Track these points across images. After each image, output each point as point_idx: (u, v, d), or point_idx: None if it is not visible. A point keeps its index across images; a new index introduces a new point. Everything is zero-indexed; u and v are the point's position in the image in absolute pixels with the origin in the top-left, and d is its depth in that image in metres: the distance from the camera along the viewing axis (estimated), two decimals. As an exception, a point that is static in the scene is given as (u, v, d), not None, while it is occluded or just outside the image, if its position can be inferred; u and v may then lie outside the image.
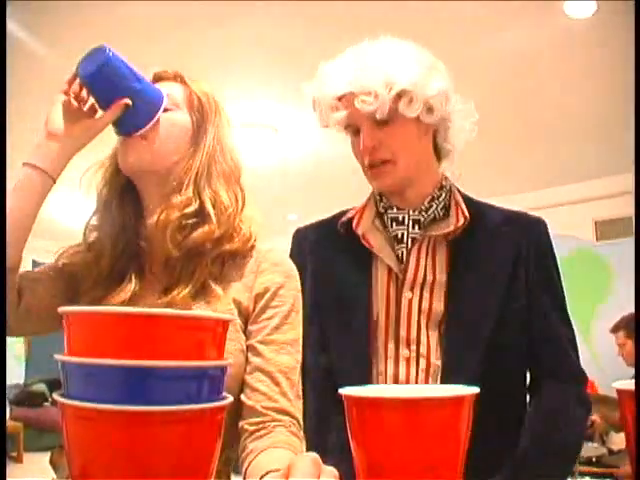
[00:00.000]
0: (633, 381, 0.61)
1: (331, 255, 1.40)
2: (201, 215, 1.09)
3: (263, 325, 1.08)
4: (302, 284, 1.17)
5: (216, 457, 0.62)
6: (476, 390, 0.59)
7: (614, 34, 3.32)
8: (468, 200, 1.36)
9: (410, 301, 1.28)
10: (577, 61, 3.64)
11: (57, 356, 0.59)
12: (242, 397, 1.05)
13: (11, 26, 3.09)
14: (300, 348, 1.12)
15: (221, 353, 0.62)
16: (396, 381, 1.23)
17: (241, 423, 1.04)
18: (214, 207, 1.09)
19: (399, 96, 1.22)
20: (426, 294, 1.27)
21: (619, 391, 0.61)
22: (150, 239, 1.12)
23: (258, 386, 1.04)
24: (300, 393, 1.10)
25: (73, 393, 0.58)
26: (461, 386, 0.62)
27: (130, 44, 3.49)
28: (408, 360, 1.25)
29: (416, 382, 1.22)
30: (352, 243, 1.35)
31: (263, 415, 1.02)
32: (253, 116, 4.53)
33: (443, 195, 1.34)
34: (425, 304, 1.27)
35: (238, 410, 1.05)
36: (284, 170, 5.73)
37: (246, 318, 1.09)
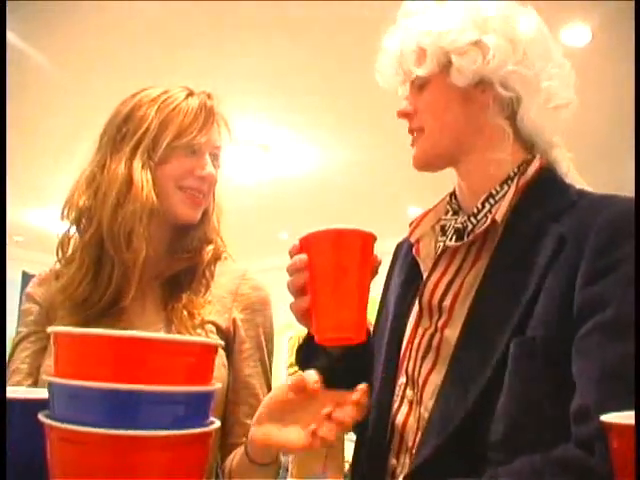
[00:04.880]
0: (623, 414, 0.52)
1: (394, 266, 1.18)
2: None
3: (248, 355, 1.14)
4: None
5: (202, 480, 0.61)
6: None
7: (610, 61, 3.35)
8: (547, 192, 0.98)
9: (424, 333, 0.99)
10: (575, 88, 3.66)
11: (44, 376, 0.59)
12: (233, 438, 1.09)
13: (9, 35, 3.08)
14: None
15: (209, 378, 0.62)
16: (394, 427, 0.97)
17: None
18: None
19: (411, 52, 1.00)
20: (440, 326, 0.97)
21: (606, 425, 0.53)
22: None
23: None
24: None
25: (59, 414, 0.58)
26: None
27: (126, 59, 3.51)
28: (410, 404, 0.96)
29: (416, 429, 0.93)
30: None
31: None
32: (244, 134, 4.53)
33: (503, 191, 0.99)
34: (435, 340, 0.97)
35: (222, 427, 1.06)
36: (275, 189, 5.72)
37: (226, 337, 1.13)
